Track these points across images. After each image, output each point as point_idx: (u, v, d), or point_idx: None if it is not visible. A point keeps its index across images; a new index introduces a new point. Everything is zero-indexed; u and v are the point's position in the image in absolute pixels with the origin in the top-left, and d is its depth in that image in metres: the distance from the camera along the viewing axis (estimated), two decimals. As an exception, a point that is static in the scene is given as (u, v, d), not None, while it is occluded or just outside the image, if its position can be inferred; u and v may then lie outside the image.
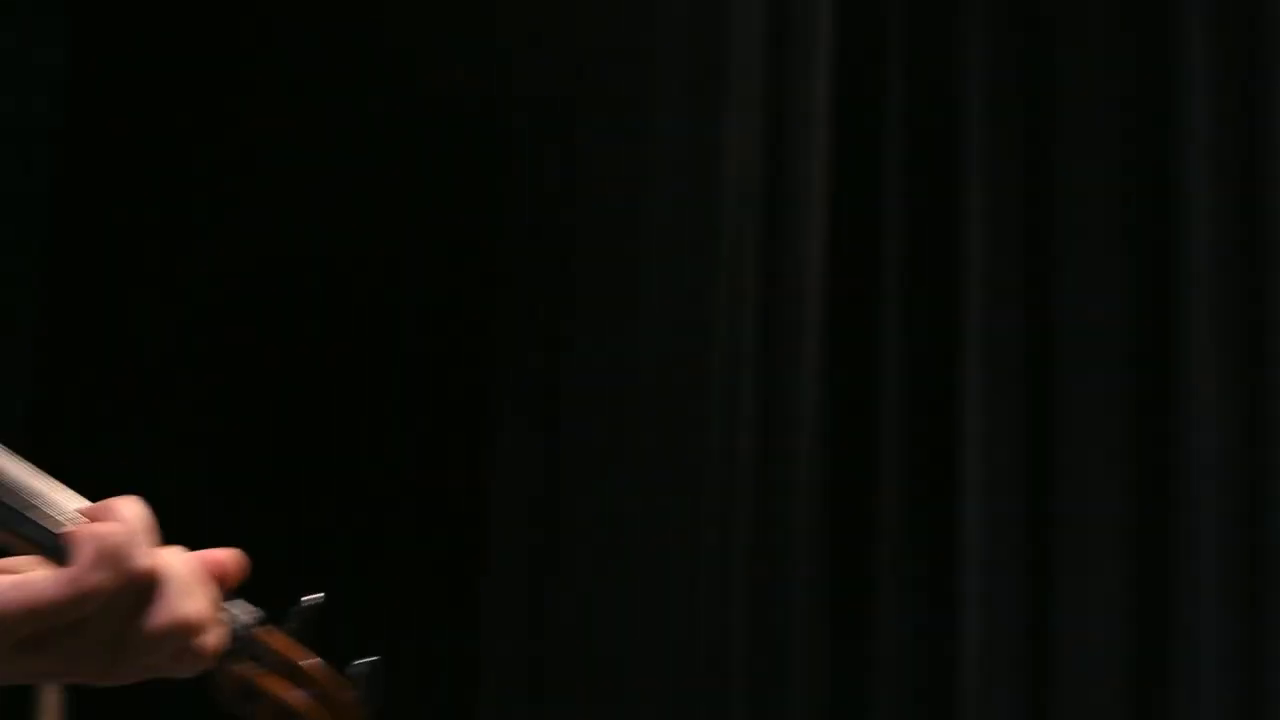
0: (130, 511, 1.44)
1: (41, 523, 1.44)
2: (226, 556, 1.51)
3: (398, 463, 4.10)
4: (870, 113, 3.82)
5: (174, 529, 1.49)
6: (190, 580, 1.46)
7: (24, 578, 1.40)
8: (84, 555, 1.40)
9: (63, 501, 1.46)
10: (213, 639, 1.48)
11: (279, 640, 1.55)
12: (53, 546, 1.43)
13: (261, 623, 1.55)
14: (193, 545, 1.50)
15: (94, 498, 1.46)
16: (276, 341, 4.18)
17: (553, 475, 3.97)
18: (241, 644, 1.53)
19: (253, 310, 4.15)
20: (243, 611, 1.53)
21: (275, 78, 4.17)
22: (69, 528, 1.43)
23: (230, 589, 1.52)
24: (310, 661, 1.57)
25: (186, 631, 1.45)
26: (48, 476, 1.47)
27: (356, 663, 1.60)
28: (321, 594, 1.59)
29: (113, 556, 1.40)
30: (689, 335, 3.87)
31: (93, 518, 1.44)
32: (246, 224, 4.13)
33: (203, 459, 4.11)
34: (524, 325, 4.05)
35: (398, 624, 3.99)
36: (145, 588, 1.42)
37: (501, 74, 4.04)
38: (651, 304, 3.89)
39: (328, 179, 4.06)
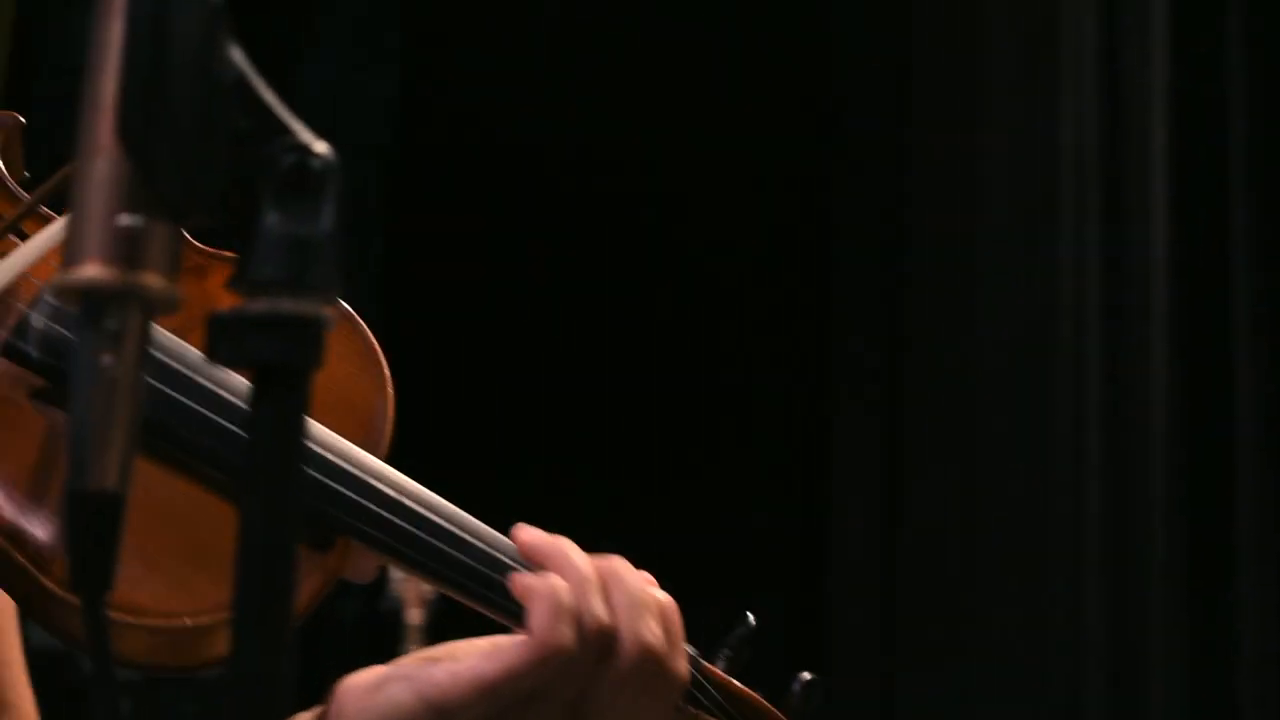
0: (577, 559, 1.39)
1: (480, 567, 1.41)
2: (665, 600, 1.43)
3: (739, 459, 4.09)
4: (1211, 101, 3.77)
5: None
6: (648, 617, 1.39)
7: (475, 663, 1.35)
8: (541, 616, 1.35)
9: (497, 539, 1.42)
10: (681, 666, 1.42)
11: (718, 674, 1.50)
12: (489, 595, 1.40)
13: (700, 656, 1.48)
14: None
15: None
16: (604, 349, 4.19)
17: (894, 465, 3.94)
18: (694, 682, 1.45)
19: (580, 314, 4.17)
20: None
21: (604, 92, 4.21)
22: (516, 578, 1.40)
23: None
24: (753, 698, 1.51)
25: (649, 676, 1.38)
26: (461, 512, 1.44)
27: (795, 687, 1.53)
28: (752, 619, 1.54)
29: (567, 621, 1.35)
30: (1031, 324, 3.83)
31: (534, 560, 1.41)
32: (573, 228, 4.17)
33: (535, 461, 4.12)
34: (862, 317, 4.03)
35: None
36: (602, 646, 1.37)
37: (835, 67, 4.06)
38: (991, 293, 3.86)
39: (664, 183, 4.09)
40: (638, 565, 1.45)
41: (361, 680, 1.39)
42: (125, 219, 0.92)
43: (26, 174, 1.50)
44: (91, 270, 0.92)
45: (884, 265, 4.05)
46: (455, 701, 1.34)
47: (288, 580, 0.92)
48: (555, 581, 1.38)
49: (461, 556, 1.42)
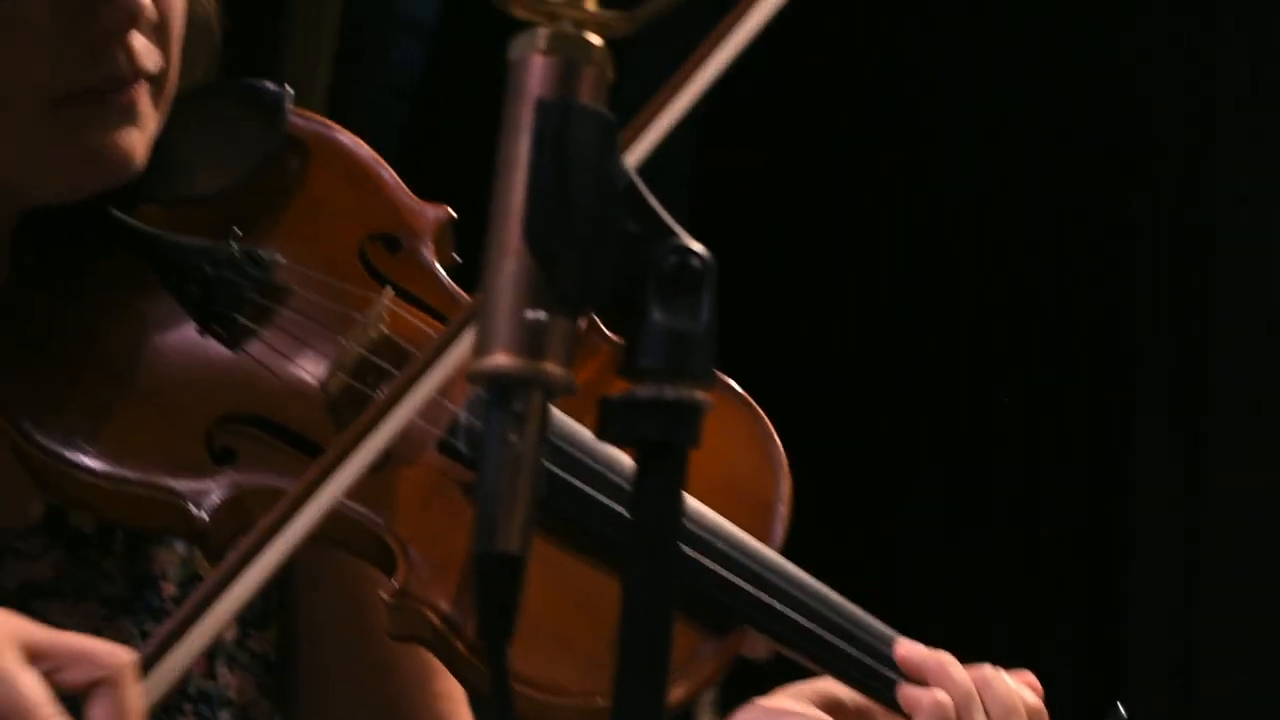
0: (957, 675, 1.53)
1: (866, 660, 1.53)
2: (1036, 705, 1.57)
3: (1037, 468, 4.10)
4: None
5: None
6: (1018, 714, 1.53)
7: None
8: None
9: (880, 632, 1.54)
10: None
11: None
12: (870, 684, 1.52)
13: None
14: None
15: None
16: (902, 355, 4.24)
17: (1197, 472, 3.93)
18: None
19: (877, 321, 4.22)
20: None
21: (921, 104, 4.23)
22: (904, 691, 1.52)
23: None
24: None
25: None
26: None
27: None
28: (1123, 711, 1.61)
29: None
30: None
31: (916, 675, 1.53)
32: (888, 228, 4.20)
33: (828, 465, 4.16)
34: (1162, 323, 4.02)
35: (1033, 629, 3.99)
36: None
37: (1142, 77, 4.06)
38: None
39: (972, 181, 4.11)
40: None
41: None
42: (530, 314, 1.04)
43: (457, 258, 1.62)
44: (500, 359, 1.04)
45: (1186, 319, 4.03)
46: None
47: (666, 644, 1.03)
48: (941, 697, 1.51)
49: (850, 649, 1.53)
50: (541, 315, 1.04)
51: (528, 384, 1.04)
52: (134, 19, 1.52)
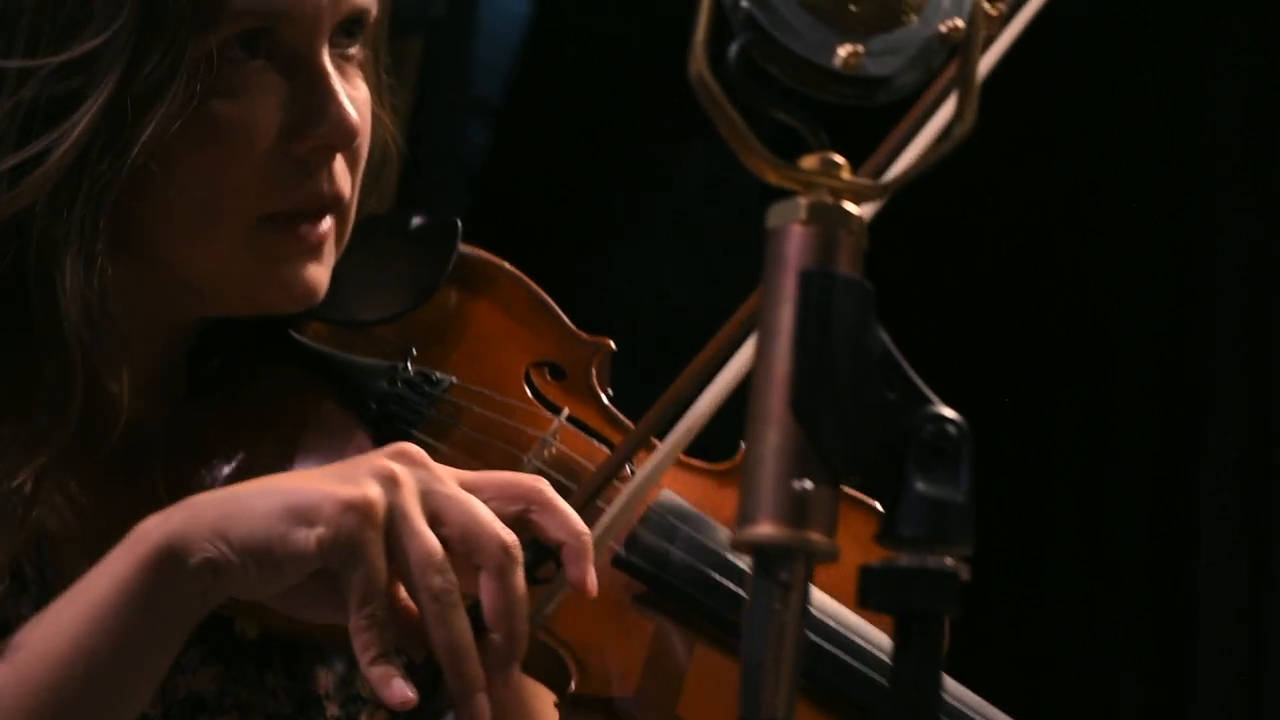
0: None
1: None
2: None
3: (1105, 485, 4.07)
4: None
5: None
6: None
7: None
8: None
9: None
10: None
11: None
12: None
13: None
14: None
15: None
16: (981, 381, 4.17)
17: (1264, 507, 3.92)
18: None
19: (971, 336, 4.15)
20: None
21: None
22: None
23: None
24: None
25: None
26: None
27: None
28: None
29: None
30: None
31: None
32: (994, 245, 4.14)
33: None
34: (1232, 351, 4.01)
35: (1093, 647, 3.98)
36: None
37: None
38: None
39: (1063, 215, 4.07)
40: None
41: None
42: (796, 483, 1.05)
43: (609, 392, 1.68)
44: (766, 528, 1.05)
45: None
46: None
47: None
48: None
49: None
50: (807, 484, 1.05)
51: (794, 553, 1.05)
52: (349, 143, 1.58)
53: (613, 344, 1.69)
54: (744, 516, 1.06)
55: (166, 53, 1.50)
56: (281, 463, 1.61)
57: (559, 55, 3.88)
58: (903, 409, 1.08)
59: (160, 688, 1.54)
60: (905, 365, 1.08)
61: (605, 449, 1.62)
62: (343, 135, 1.57)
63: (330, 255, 1.61)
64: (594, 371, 1.67)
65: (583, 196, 3.80)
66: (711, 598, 1.57)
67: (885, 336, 1.09)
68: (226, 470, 1.60)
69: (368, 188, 1.67)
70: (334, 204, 1.60)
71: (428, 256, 1.70)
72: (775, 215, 1.08)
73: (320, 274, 1.60)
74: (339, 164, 1.59)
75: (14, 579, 1.59)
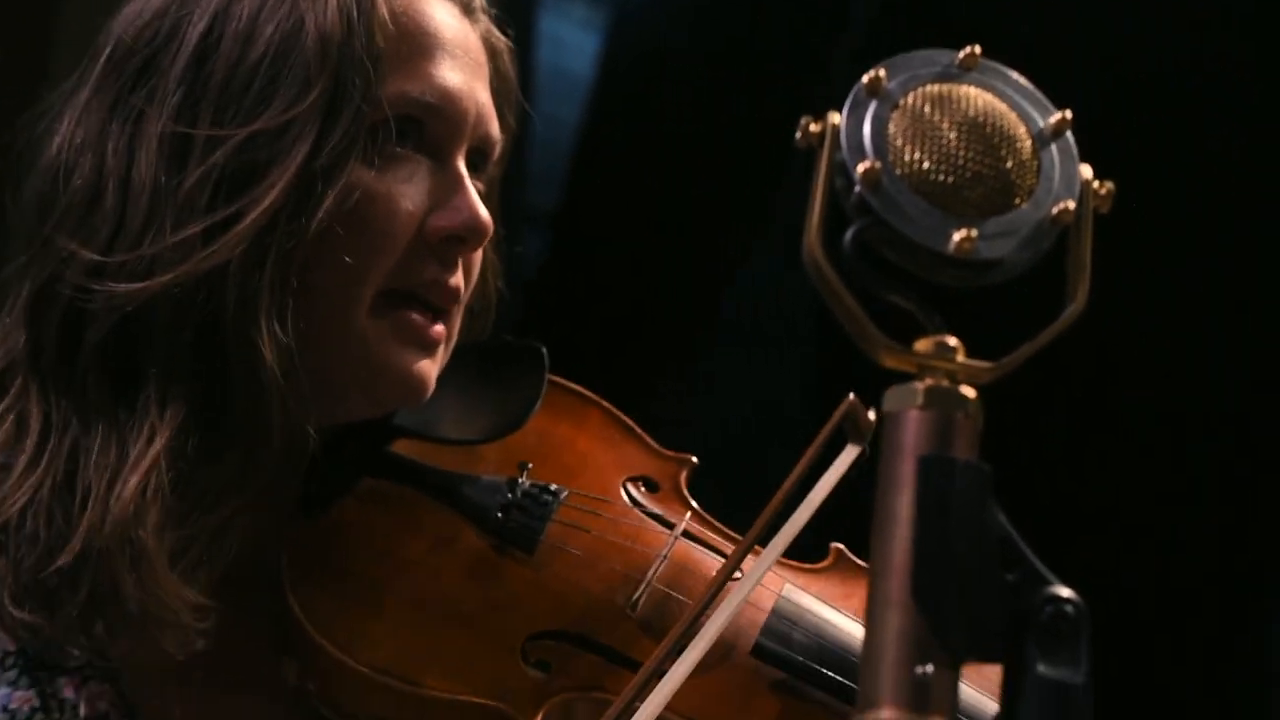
0: None
1: None
2: None
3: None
4: None
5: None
6: None
7: None
8: None
9: None
10: None
11: None
12: None
13: None
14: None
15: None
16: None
17: None
18: None
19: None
20: None
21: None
22: None
23: None
24: None
25: None
26: None
27: None
28: None
29: None
30: None
31: None
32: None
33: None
34: None
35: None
36: None
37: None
38: None
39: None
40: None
41: None
42: (919, 669, 1.06)
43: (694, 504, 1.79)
44: (888, 715, 1.06)
45: None
46: None
47: None
48: None
49: None
50: (929, 669, 1.06)
51: (917, 740, 1.06)
52: (479, 237, 1.71)
53: (695, 459, 1.81)
54: (866, 701, 1.07)
55: (348, 130, 1.64)
56: (409, 574, 1.69)
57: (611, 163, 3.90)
58: (1021, 590, 1.09)
59: None
60: (1023, 546, 1.09)
61: (708, 554, 1.73)
62: (474, 229, 1.71)
63: (440, 356, 1.72)
64: (684, 484, 1.79)
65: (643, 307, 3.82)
66: (838, 672, 1.67)
67: (1003, 518, 1.09)
68: (355, 584, 1.69)
69: (470, 317, 1.79)
70: (451, 298, 1.71)
71: (519, 382, 1.81)
72: (891, 400, 1.10)
73: (431, 370, 1.71)
74: (459, 269, 1.71)
75: None
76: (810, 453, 1.63)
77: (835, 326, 1.18)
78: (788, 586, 1.73)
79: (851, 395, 1.61)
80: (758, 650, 1.69)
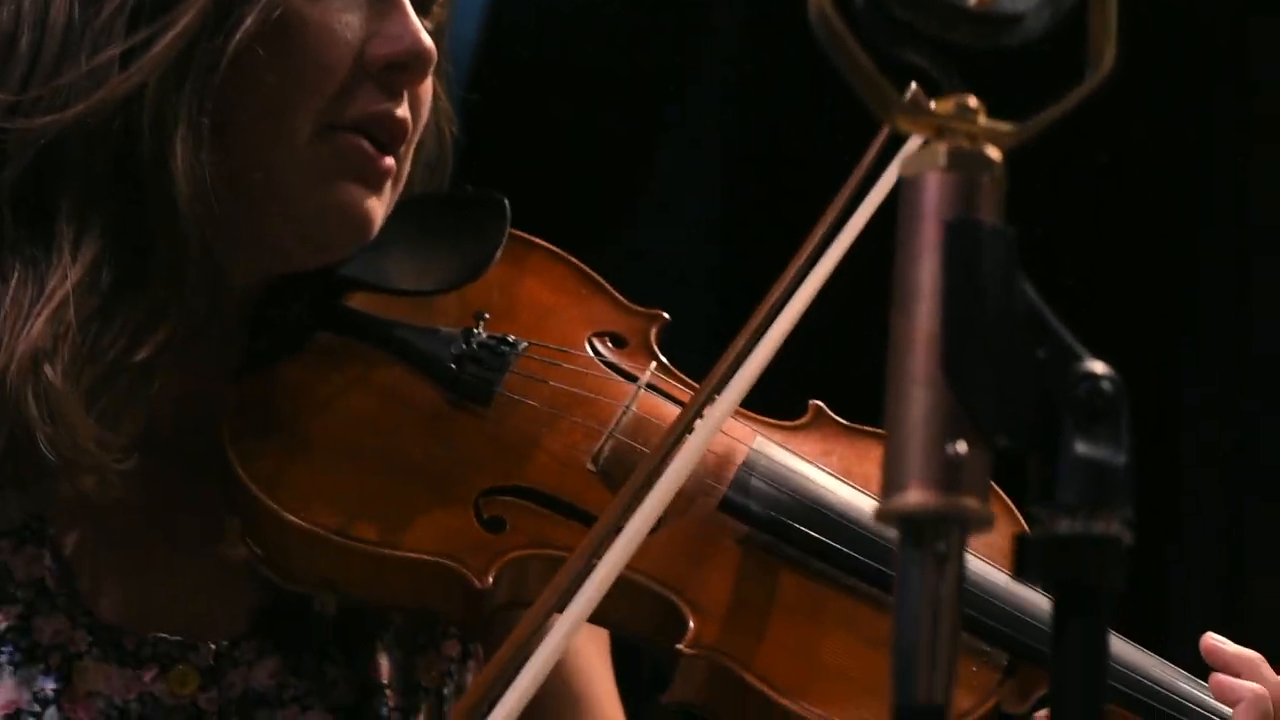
0: (1268, 673, 1.58)
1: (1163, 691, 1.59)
2: None
3: None
4: None
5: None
6: None
7: None
8: (1246, 715, 1.55)
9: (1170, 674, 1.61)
10: None
11: None
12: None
13: None
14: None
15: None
16: None
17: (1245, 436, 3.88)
18: None
19: None
20: None
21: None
22: (1218, 679, 1.57)
23: None
24: None
25: None
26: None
27: None
28: None
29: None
30: None
31: (1227, 669, 1.58)
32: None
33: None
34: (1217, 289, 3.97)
35: None
36: None
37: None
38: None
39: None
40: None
41: None
42: (949, 447, 0.98)
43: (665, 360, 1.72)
44: (917, 496, 0.98)
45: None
46: None
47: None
48: (1259, 690, 1.56)
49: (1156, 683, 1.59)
50: (961, 447, 0.98)
51: (949, 521, 0.98)
52: (422, 66, 1.62)
53: (666, 315, 1.74)
54: (891, 485, 0.98)
55: None
56: (359, 429, 1.63)
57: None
58: (1054, 366, 1.01)
59: (216, 683, 1.57)
60: (1054, 319, 1.01)
61: (676, 409, 1.64)
62: (416, 54, 1.61)
63: (388, 195, 1.64)
64: (653, 340, 1.72)
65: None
66: (822, 531, 1.61)
67: (1032, 290, 1.01)
68: (301, 440, 1.61)
69: (421, 165, 1.70)
70: (399, 132, 1.62)
71: (478, 232, 1.72)
72: (910, 164, 1.01)
73: (376, 207, 1.62)
74: (405, 101, 1.63)
75: (39, 594, 1.59)
76: (774, 293, 1.56)
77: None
78: (759, 439, 1.67)
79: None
80: (725, 504, 1.64)
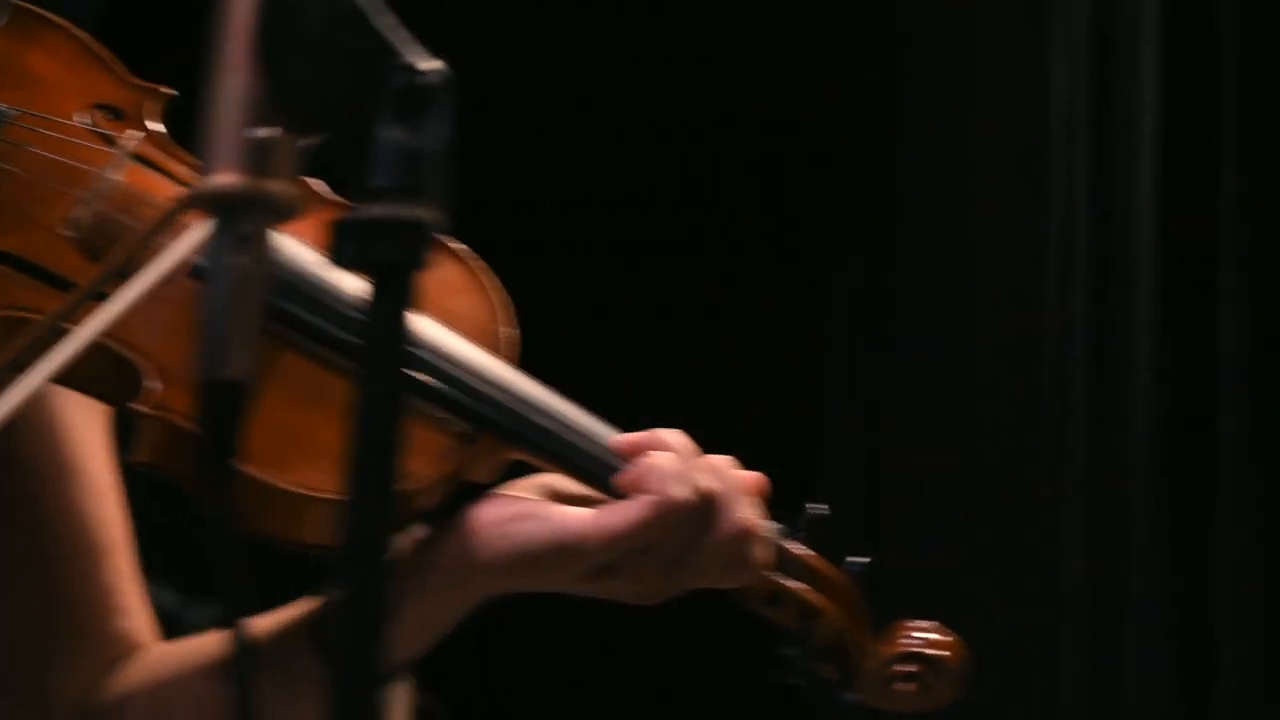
0: (672, 437, 1.53)
1: (593, 453, 1.54)
2: (754, 477, 1.57)
3: (728, 383, 4.06)
4: (1202, 50, 3.73)
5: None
6: (741, 492, 1.53)
7: (601, 513, 1.49)
8: (657, 482, 1.49)
9: (604, 432, 1.56)
10: (761, 550, 1.55)
11: (798, 549, 1.61)
12: (602, 476, 1.53)
13: (783, 534, 1.61)
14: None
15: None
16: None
17: (884, 399, 3.94)
18: (779, 556, 1.59)
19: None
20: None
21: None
22: (622, 475, 1.52)
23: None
24: (825, 565, 1.63)
25: (743, 542, 1.52)
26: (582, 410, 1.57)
27: (850, 560, 1.65)
28: (826, 506, 1.64)
29: (678, 481, 1.49)
30: (1020, 269, 3.83)
31: (643, 447, 1.53)
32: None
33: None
34: (854, 248, 4.03)
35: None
36: (707, 508, 1.50)
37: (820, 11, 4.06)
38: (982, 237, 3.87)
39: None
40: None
41: (493, 512, 1.51)
42: (257, 131, 1.02)
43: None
44: (225, 178, 1.02)
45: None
46: (586, 548, 1.48)
47: (394, 462, 1.01)
48: (661, 455, 1.51)
49: (577, 446, 1.55)
50: (269, 133, 1.02)
51: (254, 204, 1.02)
52: None
53: (171, 89, 1.68)
54: (205, 170, 1.02)
55: None
56: None
57: None
58: (374, 59, 1.04)
59: None
60: (376, 15, 1.04)
61: (169, 182, 1.61)
62: None
63: None
64: (152, 112, 1.67)
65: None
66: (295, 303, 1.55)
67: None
68: None
69: None
70: None
71: None
72: None
73: None
74: None
75: None
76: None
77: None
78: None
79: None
80: (198, 272, 1.57)
